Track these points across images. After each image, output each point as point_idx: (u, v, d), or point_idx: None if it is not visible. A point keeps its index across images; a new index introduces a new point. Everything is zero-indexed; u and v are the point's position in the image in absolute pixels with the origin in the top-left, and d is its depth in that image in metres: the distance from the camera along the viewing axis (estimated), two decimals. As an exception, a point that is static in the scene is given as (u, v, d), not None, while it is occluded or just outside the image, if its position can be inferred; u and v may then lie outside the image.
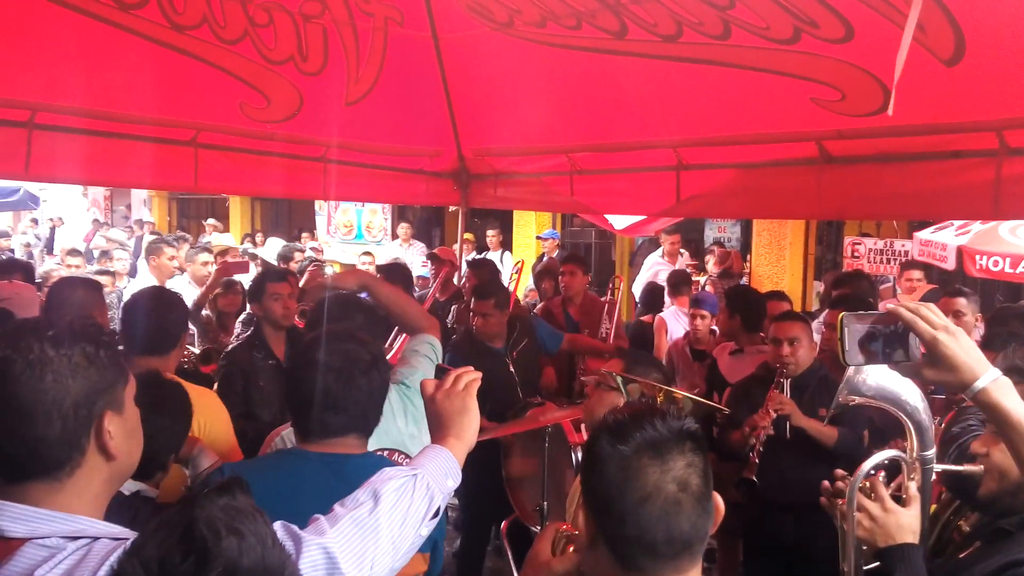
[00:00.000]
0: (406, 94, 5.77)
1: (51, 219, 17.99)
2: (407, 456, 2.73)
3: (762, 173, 5.08)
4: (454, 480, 1.88)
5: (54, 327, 1.47)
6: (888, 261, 9.21)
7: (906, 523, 2.04)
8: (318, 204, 15.55)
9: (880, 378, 2.09)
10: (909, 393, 2.10)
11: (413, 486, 1.77)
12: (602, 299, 6.62)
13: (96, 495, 1.51)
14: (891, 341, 1.76)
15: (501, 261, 11.03)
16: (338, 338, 2.36)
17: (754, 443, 3.89)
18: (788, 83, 4.24)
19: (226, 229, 17.05)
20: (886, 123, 4.16)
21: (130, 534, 1.45)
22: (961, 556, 2.14)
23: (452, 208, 10.14)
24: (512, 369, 5.04)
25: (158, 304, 3.39)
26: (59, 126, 4.67)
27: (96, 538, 1.42)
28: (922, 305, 1.74)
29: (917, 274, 7.12)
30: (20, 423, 1.41)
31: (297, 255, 8.71)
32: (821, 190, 4.76)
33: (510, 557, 4.37)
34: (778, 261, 10.80)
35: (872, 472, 2.12)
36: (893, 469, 2.16)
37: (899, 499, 2.09)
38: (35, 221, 18.07)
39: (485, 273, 6.58)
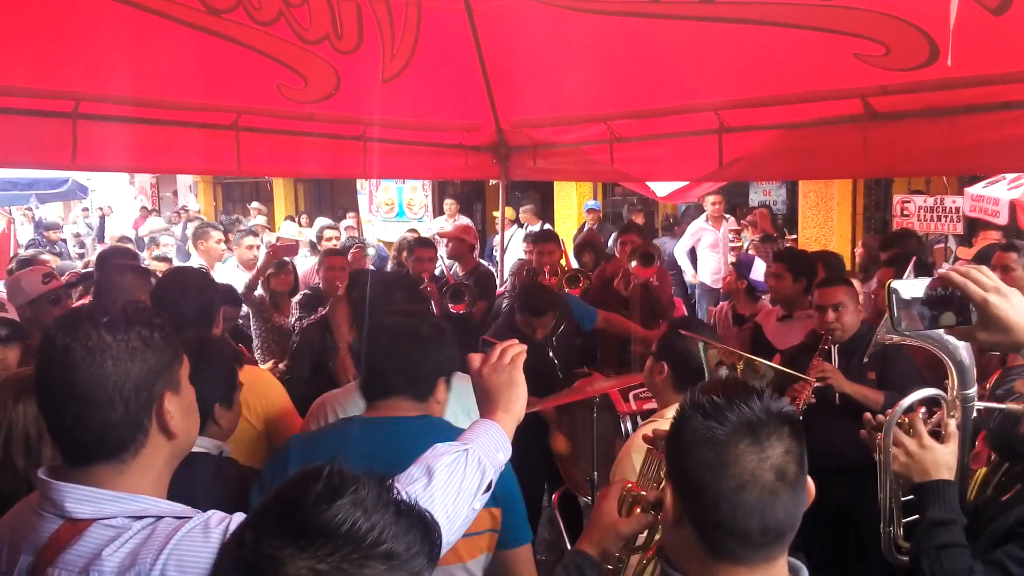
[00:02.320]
0: (442, 68, 5.75)
1: (100, 208, 18.32)
2: None
3: (806, 133, 4.99)
4: (504, 453, 1.87)
5: (109, 313, 1.50)
6: (939, 219, 9.00)
7: (942, 460, 2.04)
8: (359, 183, 15.62)
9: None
10: (951, 335, 2.07)
11: (465, 461, 1.76)
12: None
13: (159, 474, 1.55)
14: (940, 305, 1.73)
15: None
16: (406, 312, 2.43)
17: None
18: (830, 39, 4.14)
19: (271, 212, 17.25)
20: (932, 77, 4.07)
21: (192, 512, 1.49)
22: (1003, 499, 2.14)
23: (492, 182, 10.13)
24: (552, 355, 4.97)
25: (188, 286, 3.36)
26: (102, 115, 4.75)
27: (160, 517, 1.46)
28: (972, 267, 1.71)
29: (1013, 256, 6.82)
30: (84, 408, 1.45)
31: (327, 232, 8.72)
32: (867, 148, 4.66)
33: (562, 527, 4.39)
34: (825, 222, 10.63)
35: (912, 408, 2.12)
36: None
37: (939, 436, 2.08)
38: (86, 211, 18.40)
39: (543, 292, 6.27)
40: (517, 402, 1.95)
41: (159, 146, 5.18)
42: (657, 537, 1.77)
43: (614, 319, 5.57)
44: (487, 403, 1.95)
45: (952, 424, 2.08)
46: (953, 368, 2.08)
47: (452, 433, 1.98)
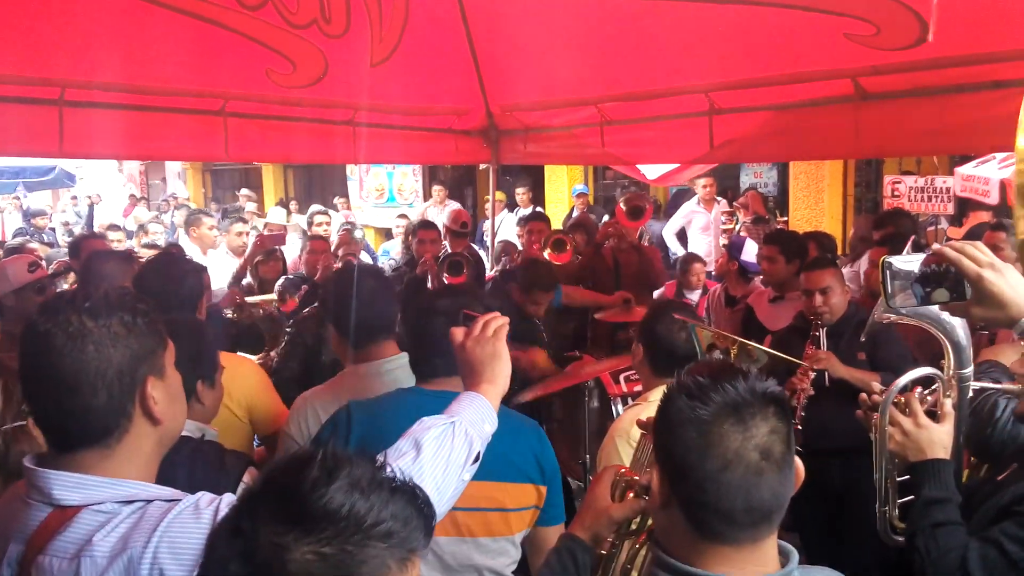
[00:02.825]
0: (431, 52, 5.72)
1: (89, 196, 18.21)
2: None
3: (797, 114, 4.99)
4: (491, 425, 1.89)
5: (90, 299, 1.49)
6: (929, 199, 9.00)
7: (937, 439, 2.04)
8: (349, 169, 15.56)
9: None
10: (951, 316, 2.06)
11: (452, 433, 1.77)
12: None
13: (146, 459, 1.55)
14: (935, 282, 1.74)
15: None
16: (456, 293, 2.47)
17: (795, 406, 3.83)
18: (821, 19, 4.13)
19: (260, 199, 17.17)
20: (923, 56, 4.06)
21: (181, 495, 1.49)
22: (999, 478, 2.14)
23: (483, 166, 10.10)
24: (544, 332, 4.98)
25: (171, 272, 3.34)
26: (89, 102, 4.70)
27: (149, 501, 1.46)
28: (967, 243, 1.71)
29: (1002, 235, 6.86)
30: (67, 394, 1.45)
31: (318, 218, 8.71)
32: (858, 128, 4.66)
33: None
34: (816, 204, 10.64)
35: (908, 387, 2.12)
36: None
37: (936, 416, 2.09)
38: (75, 199, 18.28)
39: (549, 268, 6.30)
40: (501, 374, 1.96)
41: (146, 133, 5.14)
42: (650, 522, 1.76)
43: (574, 291, 5.57)
44: (471, 375, 1.96)
45: (948, 403, 2.08)
46: (950, 347, 2.08)
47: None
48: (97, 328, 1.46)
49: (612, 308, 5.50)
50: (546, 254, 5.79)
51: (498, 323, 2.00)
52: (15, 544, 1.45)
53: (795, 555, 1.43)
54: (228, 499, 1.47)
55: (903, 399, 2.10)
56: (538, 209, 10.67)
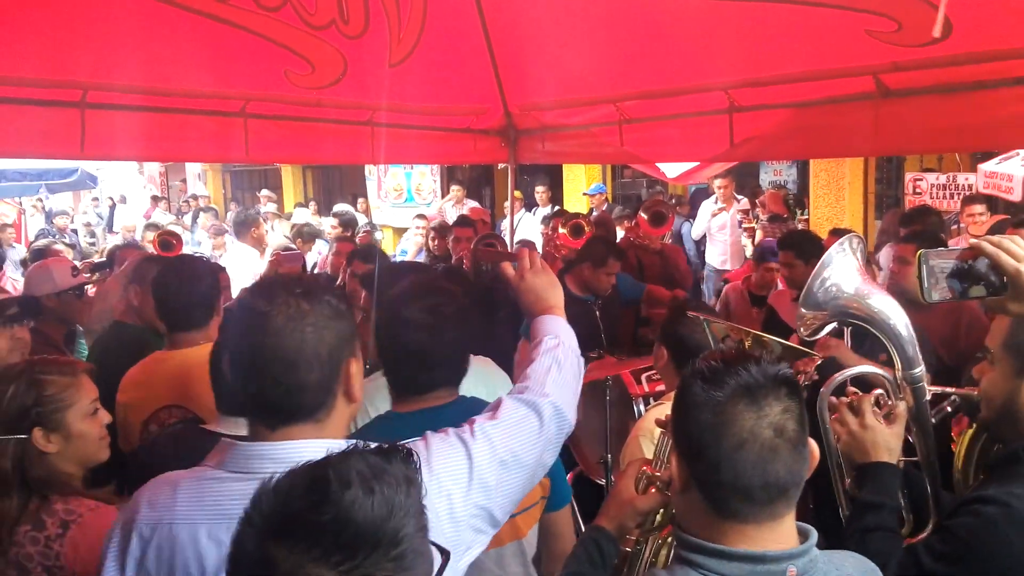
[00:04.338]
0: (449, 52, 5.71)
1: (111, 198, 18.36)
2: None
3: (817, 111, 4.94)
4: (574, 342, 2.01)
5: (301, 283, 1.59)
6: (951, 196, 8.93)
7: (882, 441, 2.02)
8: (367, 169, 15.60)
9: (849, 296, 2.03)
10: (888, 310, 2.02)
11: (568, 351, 1.94)
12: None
13: (343, 434, 1.67)
14: (971, 276, 1.73)
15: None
16: (423, 291, 2.36)
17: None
18: (841, 16, 4.09)
19: (280, 199, 17.24)
20: (945, 52, 4.01)
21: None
22: (975, 485, 2.12)
23: (501, 166, 10.10)
24: (599, 317, 5.01)
25: (190, 274, 3.36)
26: (110, 104, 4.73)
27: None
28: (1005, 238, 1.70)
29: (979, 208, 6.89)
30: (284, 372, 1.53)
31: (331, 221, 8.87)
32: (879, 125, 4.61)
33: (575, 510, 4.40)
34: (837, 201, 10.57)
35: (845, 385, 2.14)
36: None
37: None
38: (96, 200, 18.44)
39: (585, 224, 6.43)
40: (562, 299, 2.08)
41: (167, 134, 5.17)
42: (672, 515, 1.81)
43: (657, 291, 5.59)
44: (539, 303, 2.05)
45: (901, 406, 2.05)
46: (892, 347, 2.04)
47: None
48: (313, 311, 1.55)
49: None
50: (560, 232, 5.86)
51: (536, 256, 2.10)
52: (212, 522, 1.48)
53: (814, 533, 1.46)
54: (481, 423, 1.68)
55: (854, 399, 2.08)
56: (563, 208, 10.69)
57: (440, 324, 2.25)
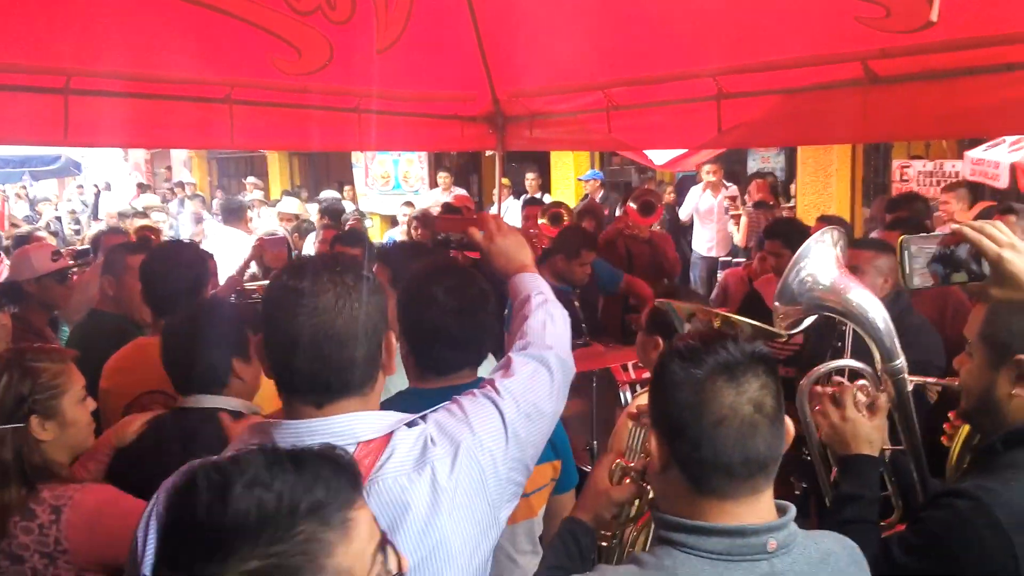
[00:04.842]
0: (436, 38, 5.68)
1: (96, 185, 18.21)
2: None
3: (805, 98, 4.93)
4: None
5: (337, 262, 1.61)
6: (938, 184, 8.96)
7: (863, 433, 2.03)
8: (354, 156, 15.54)
9: (825, 288, 2.02)
10: (866, 304, 2.01)
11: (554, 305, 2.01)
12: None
13: (378, 406, 1.67)
14: (953, 261, 1.72)
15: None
16: (449, 272, 2.39)
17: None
18: (830, 2, 4.09)
19: (266, 186, 17.14)
20: (933, 39, 4.01)
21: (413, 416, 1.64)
22: (957, 477, 2.14)
23: (489, 153, 10.07)
24: (578, 306, 5.00)
25: (177, 260, 3.35)
26: (94, 90, 4.68)
27: (411, 422, 1.62)
28: (987, 223, 1.70)
29: (946, 196, 6.87)
30: (336, 349, 1.53)
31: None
32: (867, 112, 4.61)
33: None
34: (824, 189, 10.58)
35: (827, 377, 2.16)
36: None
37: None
38: (81, 188, 18.30)
39: (564, 213, 6.43)
40: (531, 257, 2.15)
41: (152, 121, 5.12)
42: (647, 505, 1.84)
43: (635, 283, 5.56)
44: (512, 263, 2.11)
45: (883, 398, 2.06)
46: (870, 340, 2.03)
47: None
48: (357, 287, 1.57)
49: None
50: (540, 223, 5.85)
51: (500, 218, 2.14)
52: None
53: (792, 508, 1.48)
54: (500, 381, 1.74)
55: (836, 391, 2.09)
56: (534, 196, 10.69)
57: (467, 305, 2.29)
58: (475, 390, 1.76)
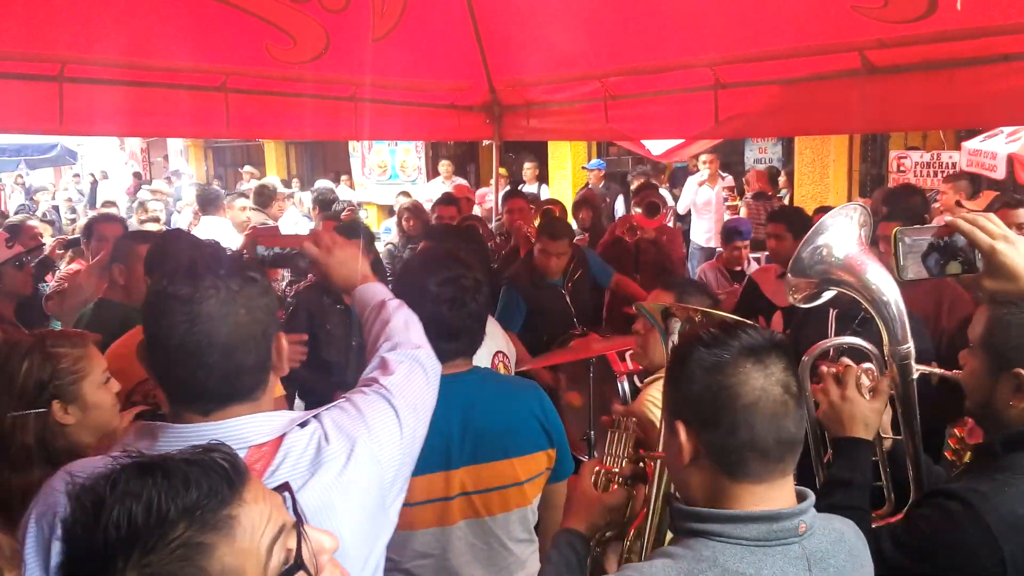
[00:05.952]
0: (433, 27, 5.66)
1: (92, 174, 18.18)
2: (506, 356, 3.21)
3: (803, 88, 4.93)
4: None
5: (222, 264, 1.53)
6: (935, 174, 8.96)
7: (859, 415, 2.01)
8: (351, 145, 15.50)
9: (841, 262, 1.99)
10: (882, 284, 1.97)
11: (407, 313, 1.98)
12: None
13: (271, 407, 1.62)
14: (947, 253, 1.72)
15: (539, 195, 10.93)
16: (442, 263, 2.38)
17: None
18: (828, -8, 4.08)
19: (263, 176, 17.11)
20: (931, 29, 4.01)
21: (309, 414, 1.61)
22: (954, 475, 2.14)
23: (486, 143, 10.05)
24: (568, 300, 5.00)
25: (177, 249, 3.29)
26: (89, 78, 4.67)
27: (303, 421, 1.58)
28: (980, 215, 1.70)
29: (945, 186, 6.86)
30: (223, 357, 1.47)
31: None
32: (864, 103, 4.60)
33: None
34: (821, 179, 10.58)
35: (828, 353, 2.16)
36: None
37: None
38: (77, 176, 18.26)
39: (557, 211, 6.45)
40: (368, 267, 2.11)
41: (147, 109, 5.10)
42: (641, 509, 1.83)
43: (624, 283, 5.55)
44: (354, 273, 2.06)
45: (885, 382, 2.03)
46: (880, 322, 2.00)
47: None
48: (241, 292, 1.50)
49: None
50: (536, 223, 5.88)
51: (331, 230, 2.13)
52: None
53: (811, 495, 1.48)
54: (384, 378, 1.73)
55: (840, 370, 2.06)
56: (519, 187, 10.66)
57: (462, 296, 2.29)
58: (364, 388, 1.73)
